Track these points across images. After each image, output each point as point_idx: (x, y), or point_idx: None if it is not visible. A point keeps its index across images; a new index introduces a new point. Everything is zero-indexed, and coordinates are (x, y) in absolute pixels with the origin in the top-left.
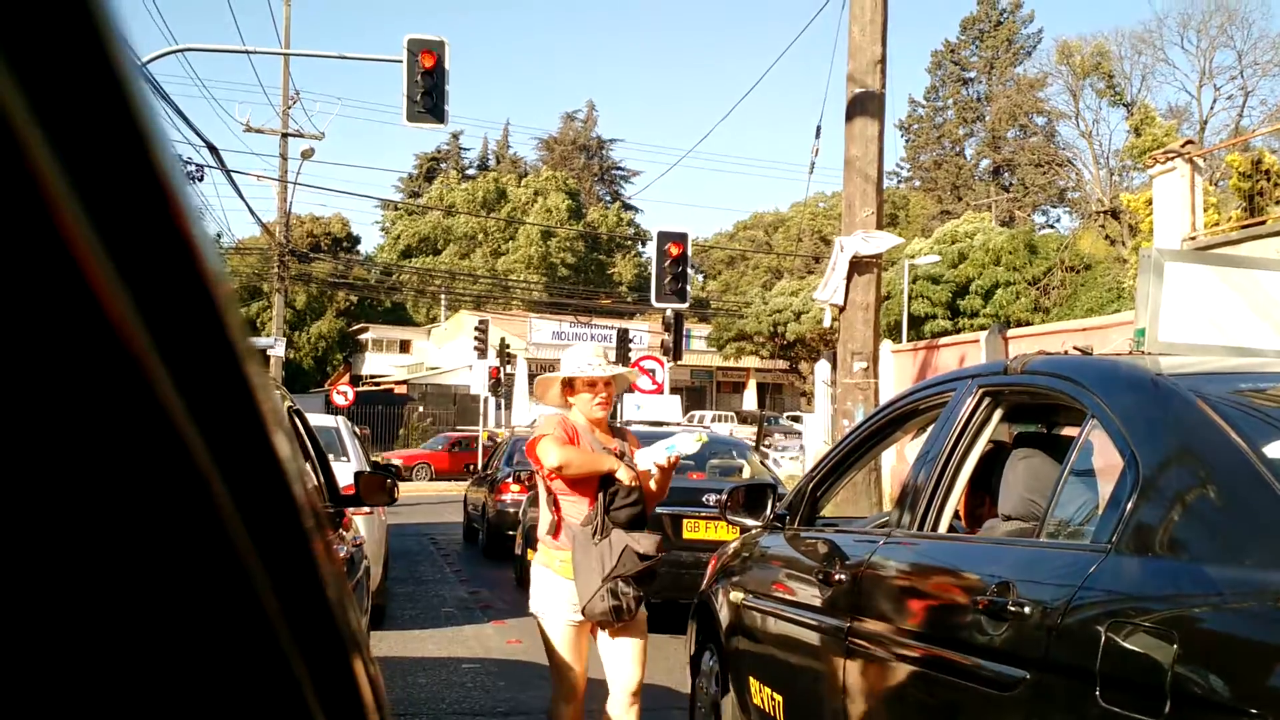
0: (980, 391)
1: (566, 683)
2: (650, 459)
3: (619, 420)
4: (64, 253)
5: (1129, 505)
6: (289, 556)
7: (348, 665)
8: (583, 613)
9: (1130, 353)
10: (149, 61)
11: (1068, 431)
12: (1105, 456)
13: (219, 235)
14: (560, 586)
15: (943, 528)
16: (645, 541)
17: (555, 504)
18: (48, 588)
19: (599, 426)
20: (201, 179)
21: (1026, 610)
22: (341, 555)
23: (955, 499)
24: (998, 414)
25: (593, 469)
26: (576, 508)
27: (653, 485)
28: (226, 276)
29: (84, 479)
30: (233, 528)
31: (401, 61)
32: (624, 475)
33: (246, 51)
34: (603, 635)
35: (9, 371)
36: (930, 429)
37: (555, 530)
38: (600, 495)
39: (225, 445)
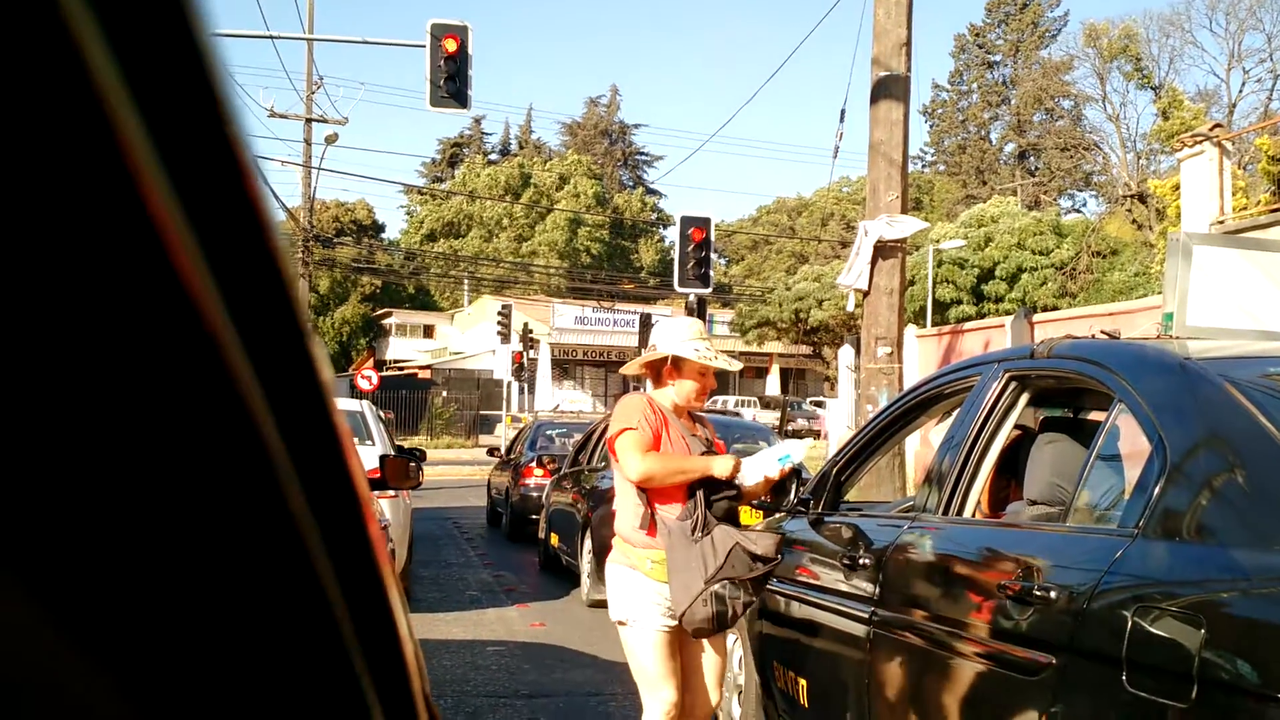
0: (1006, 376)
1: (662, 700)
2: (760, 470)
3: None
4: (148, 223)
5: (1156, 490)
6: (344, 525)
7: (394, 631)
8: (681, 621)
9: (1158, 337)
10: None
11: (1094, 416)
12: (1132, 441)
13: None
14: (650, 590)
15: (968, 512)
16: (762, 541)
17: (649, 494)
18: (111, 549)
19: (681, 413)
20: None
21: (1053, 595)
22: None
23: (980, 484)
24: (1024, 398)
25: (683, 478)
26: (670, 500)
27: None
28: (289, 251)
29: (155, 441)
30: (291, 495)
31: (425, 46)
32: (721, 471)
33: (270, 36)
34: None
35: (99, 340)
36: (955, 414)
37: (649, 525)
38: (700, 489)
39: (290, 415)
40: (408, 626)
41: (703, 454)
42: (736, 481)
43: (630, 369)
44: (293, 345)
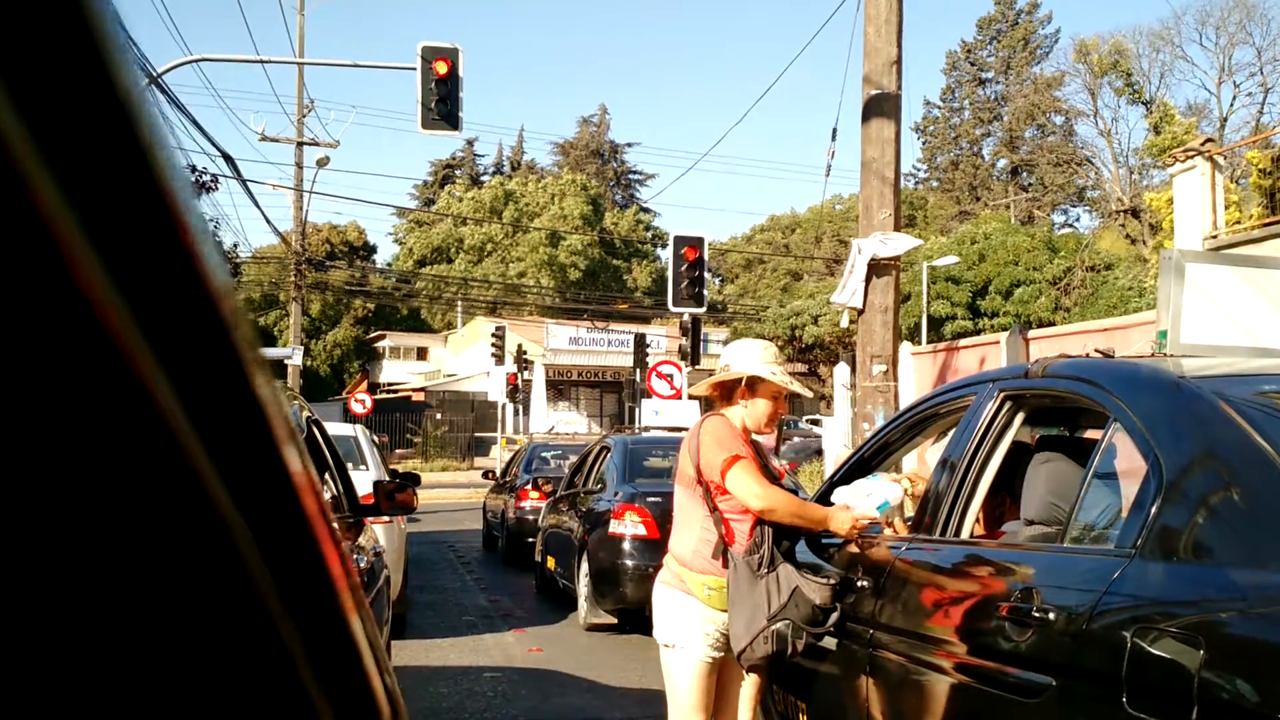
0: (1001, 395)
1: None
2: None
3: (637, 426)
4: (59, 264)
5: (1153, 509)
6: (301, 571)
7: (364, 679)
8: (739, 656)
9: (1152, 355)
10: (165, 72)
11: (1091, 434)
12: (1128, 460)
13: (235, 245)
14: (702, 617)
15: (965, 533)
16: (821, 592)
17: (724, 523)
18: (51, 604)
19: (747, 435)
20: (217, 188)
21: (1051, 616)
22: (362, 565)
23: (977, 504)
24: (1019, 418)
25: (800, 523)
26: (739, 529)
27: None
28: (233, 289)
29: (84, 494)
30: (241, 541)
31: (415, 69)
32: (839, 528)
33: (261, 61)
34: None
35: (7, 387)
36: (951, 433)
37: (721, 555)
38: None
39: (232, 458)
40: (383, 674)
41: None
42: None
43: (701, 389)
44: (233, 385)
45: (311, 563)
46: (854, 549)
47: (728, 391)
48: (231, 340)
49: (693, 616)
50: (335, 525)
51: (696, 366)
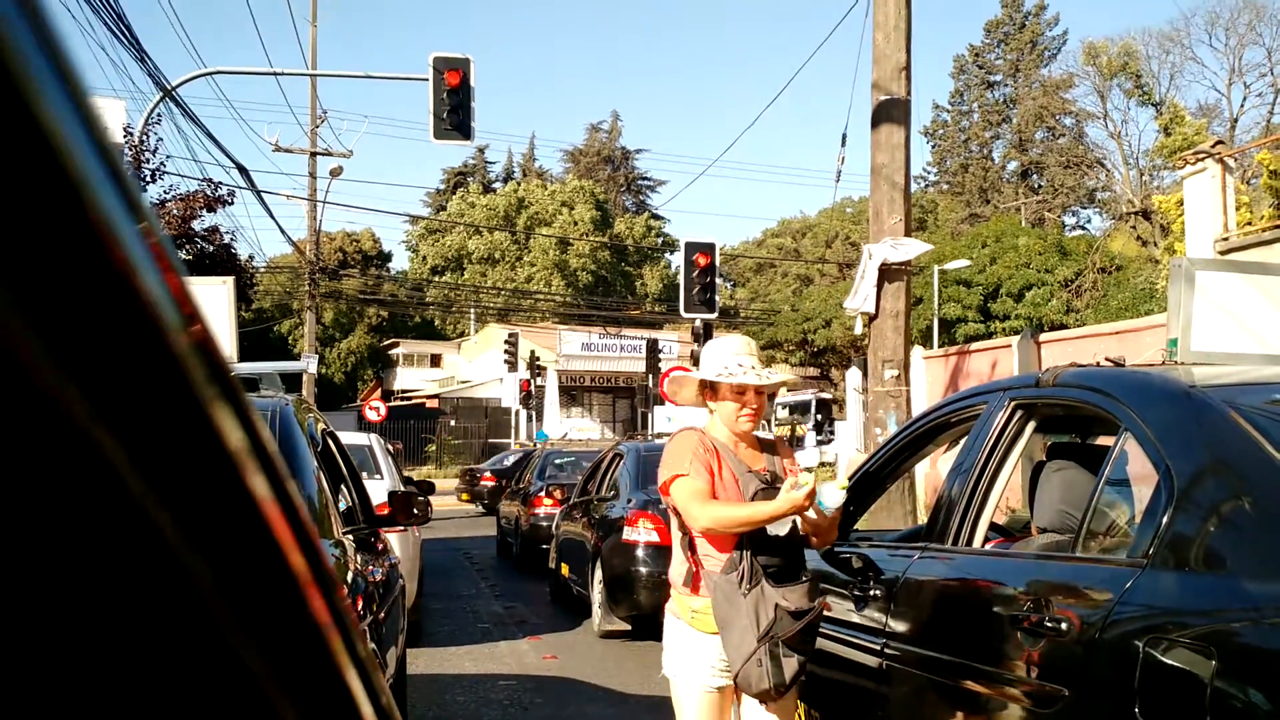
0: (1012, 404)
1: None
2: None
3: (650, 433)
4: None
5: (1164, 519)
6: (272, 602)
7: (353, 707)
8: (735, 681)
9: (1163, 363)
10: (179, 85)
11: (1103, 440)
12: (1140, 469)
13: (250, 257)
14: (696, 643)
15: (977, 542)
16: (795, 595)
17: (691, 546)
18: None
19: (744, 440)
20: (232, 203)
21: (1064, 626)
22: (377, 577)
23: (989, 513)
24: (1030, 426)
25: (755, 523)
26: (712, 547)
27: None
28: (185, 323)
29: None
30: (201, 581)
31: (427, 80)
32: (796, 499)
33: (274, 73)
34: (749, 703)
35: None
36: (963, 442)
37: (694, 582)
38: (745, 536)
39: (185, 491)
40: (368, 688)
41: (759, 493)
42: (811, 510)
43: (680, 400)
44: (183, 418)
45: (285, 595)
46: (857, 561)
47: (703, 400)
48: (183, 374)
49: (685, 644)
50: (319, 547)
51: None
